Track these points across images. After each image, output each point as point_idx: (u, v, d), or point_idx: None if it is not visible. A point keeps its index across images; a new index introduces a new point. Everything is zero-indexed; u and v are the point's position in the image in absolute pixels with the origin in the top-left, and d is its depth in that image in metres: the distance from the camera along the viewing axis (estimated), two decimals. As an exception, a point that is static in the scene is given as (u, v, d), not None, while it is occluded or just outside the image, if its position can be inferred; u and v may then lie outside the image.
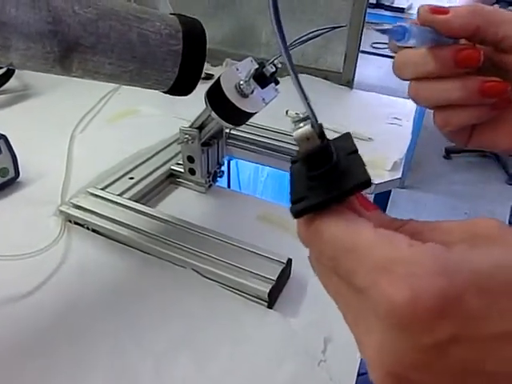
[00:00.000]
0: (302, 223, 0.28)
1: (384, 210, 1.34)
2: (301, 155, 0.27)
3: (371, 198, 1.21)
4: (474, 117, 0.41)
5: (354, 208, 0.28)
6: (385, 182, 1.00)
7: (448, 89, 0.39)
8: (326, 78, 1.59)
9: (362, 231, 0.26)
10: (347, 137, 0.31)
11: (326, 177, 0.27)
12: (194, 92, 0.67)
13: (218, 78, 0.70)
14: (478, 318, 0.22)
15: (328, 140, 0.28)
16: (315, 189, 0.27)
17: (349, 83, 1.56)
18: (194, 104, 0.77)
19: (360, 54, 1.55)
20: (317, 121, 0.27)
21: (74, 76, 0.57)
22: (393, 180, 1.02)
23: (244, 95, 0.70)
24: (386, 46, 2.15)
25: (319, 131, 0.27)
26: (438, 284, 0.22)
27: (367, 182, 0.26)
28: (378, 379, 0.24)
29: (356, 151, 0.29)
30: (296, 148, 0.27)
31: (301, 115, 0.27)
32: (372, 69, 1.79)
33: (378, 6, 3.16)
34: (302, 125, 0.27)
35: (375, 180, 0.99)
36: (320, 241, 0.27)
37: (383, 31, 0.37)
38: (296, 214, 0.27)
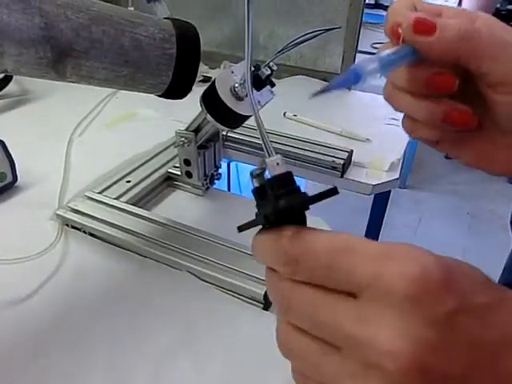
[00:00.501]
0: (286, 240, 0.28)
1: (383, 210, 1.34)
2: (271, 176, 0.29)
3: (371, 198, 1.21)
4: (437, 136, 0.41)
5: None
6: (382, 183, 1.00)
7: (415, 106, 0.39)
8: (324, 80, 1.59)
9: (343, 235, 0.27)
10: None
11: (290, 195, 0.29)
12: (192, 94, 0.67)
13: (213, 80, 0.70)
14: (470, 292, 0.24)
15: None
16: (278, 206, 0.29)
17: (347, 84, 1.56)
18: (192, 106, 0.77)
19: (360, 55, 1.55)
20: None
21: (69, 81, 0.57)
22: (390, 181, 1.01)
23: (239, 98, 0.70)
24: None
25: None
26: (442, 261, 0.24)
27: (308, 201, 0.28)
28: (399, 371, 0.23)
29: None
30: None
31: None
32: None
33: (377, 6, 3.16)
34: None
35: (373, 181, 0.99)
36: (310, 250, 0.27)
37: (325, 91, 0.33)
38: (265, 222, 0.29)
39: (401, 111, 0.42)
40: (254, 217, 0.31)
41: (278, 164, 0.29)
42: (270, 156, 0.30)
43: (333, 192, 0.28)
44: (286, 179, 0.29)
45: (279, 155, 0.30)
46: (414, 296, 0.23)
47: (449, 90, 0.37)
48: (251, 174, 0.30)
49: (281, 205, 0.28)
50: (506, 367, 0.24)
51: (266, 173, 0.30)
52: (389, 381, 0.24)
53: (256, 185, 0.30)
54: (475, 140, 0.41)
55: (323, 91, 0.32)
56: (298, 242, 0.27)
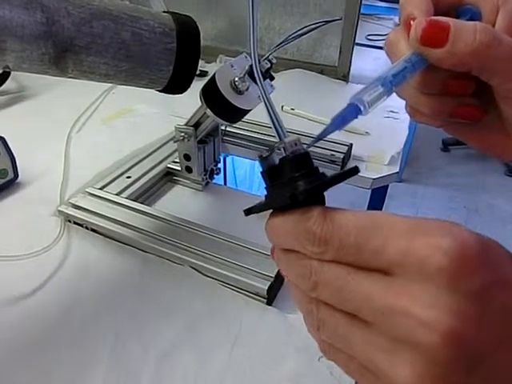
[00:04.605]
0: (313, 220, 0.27)
1: (381, 204, 1.34)
2: (291, 154, 0.29)
3: (368, 193, 1.21)
4: (440, 125, 0.40)
5: None
6: (382, 177, 1.00)
7: (421, 101, 0.38)
8: (321, 72, 1.58)
9: (370, 212, 0.26)
10: None
11: (312, 175, 0.28)
12: (190, 89, 0.67)
13: (213, 75, 0.70)
14: (502, 265, 0.24)
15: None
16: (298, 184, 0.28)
17: (344, 77, 1.55)
18: (190, 101, 0.77)
19: (356, 47, 1.54)
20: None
21: (70, 77, 0.57)
22: (390, 174, 1.02)
23: (239, 92, 0.70)
24: (381, 37, 2.13)
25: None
26: (474, 234, 0.24)
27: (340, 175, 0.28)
28: (435, 343, 0.23)
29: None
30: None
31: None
32: (369, 61, 1.78)
33: (374, -4, 3.13)
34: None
35: (372, 175, 0.99)
36: (339, 230, 0.26)
37: (322, 137, 0.31)
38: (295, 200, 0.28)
39: (403, 99, 0.40)
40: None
41: (296, 144, 0.29)
42: (281, 139, 0.30)
43: (354, 171, 0.28)
44: (306, 159, 0.29)
45: (296, 136, 0.29)
46: (449, 268, 0.23)
47: (464, 94, 0.36)
48: (260, 156, 0.30)
49: (306, 185, 0.27)
50: None
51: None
52: (421, 355, 0.23)
53: (266, 167, 0.30)
54: (482, 125, 0.39)
55: (318, 139, 0.30)
56: (325, 222, 0.26)
